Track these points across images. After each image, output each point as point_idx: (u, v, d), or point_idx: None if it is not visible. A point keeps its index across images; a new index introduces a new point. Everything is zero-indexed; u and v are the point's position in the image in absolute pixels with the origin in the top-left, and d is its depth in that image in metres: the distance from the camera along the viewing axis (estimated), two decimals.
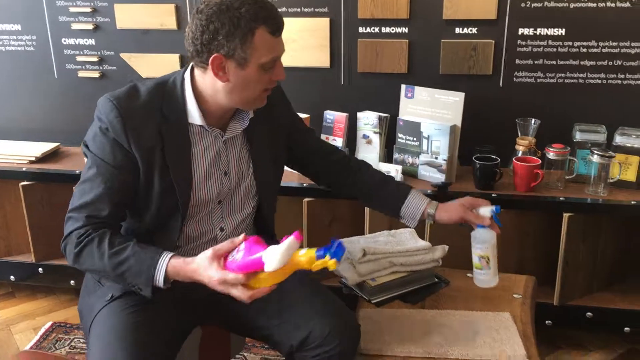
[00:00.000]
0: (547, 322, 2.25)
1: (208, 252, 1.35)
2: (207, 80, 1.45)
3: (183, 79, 1.49)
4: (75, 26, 2.59)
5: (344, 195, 1.94)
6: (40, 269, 2.58)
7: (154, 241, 1.47)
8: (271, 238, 1.66)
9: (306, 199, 2.27)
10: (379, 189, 1.74)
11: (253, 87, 1.44)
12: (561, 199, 2.15)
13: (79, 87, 2.68)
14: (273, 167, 1.65)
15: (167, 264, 1.37)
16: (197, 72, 1.47)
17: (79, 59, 2.64)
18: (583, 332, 2.38)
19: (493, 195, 2.18)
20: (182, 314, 1.54)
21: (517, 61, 2.34)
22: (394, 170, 2.28)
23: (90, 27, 2.57)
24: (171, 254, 1.40)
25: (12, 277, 2.63)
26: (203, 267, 1.35)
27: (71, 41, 2.63)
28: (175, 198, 1.48)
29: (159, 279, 1.38)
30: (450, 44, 2.34)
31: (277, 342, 1.53)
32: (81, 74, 2.65)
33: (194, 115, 1.48)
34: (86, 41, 2.62)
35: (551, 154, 2.20)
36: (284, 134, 1.68)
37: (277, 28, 1.40)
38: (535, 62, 2.33)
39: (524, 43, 2.32)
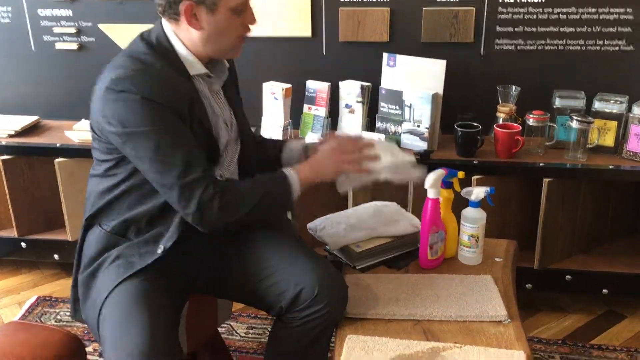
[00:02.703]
0: (527, 285, 2.30)
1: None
2: (182, 33, 1.48)
3: (166, 35, 1.49)
4: None
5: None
6: (23, 244, 2.57)
7: None
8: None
9: None
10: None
11: (228, 34, 1.48)
12: (541, 164, 2.18)
13: (57, 59, 2.63)
14: (244, 113, 1.70)
15: (297, 171, 1.51)
16: (171, 27, 1.48)
17: (56, 30, 2.59)
18: (562, 295, 2.44)
19: (475, 162, 2.20)
20: (178, 284, 1.55)
21: (498, 28, 2.34)
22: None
23: None
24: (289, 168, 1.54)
25: None
26: (325, 147, 1.60)
27: (47, 12, 2.57)
28: (206, 152, 1.48)
29: (296, 189, 1.50)
30: (432, 12, 2.34)
31: (267, 304, 1.55)
32: (59, 45, 2.60)
33: (196, 66, 1.50)
34: (63, 12, 2.57)
35: (531, 121, 2.23)
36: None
37: None
38: (516, 29, 2.33)
39: (504, 10, 2.32)
